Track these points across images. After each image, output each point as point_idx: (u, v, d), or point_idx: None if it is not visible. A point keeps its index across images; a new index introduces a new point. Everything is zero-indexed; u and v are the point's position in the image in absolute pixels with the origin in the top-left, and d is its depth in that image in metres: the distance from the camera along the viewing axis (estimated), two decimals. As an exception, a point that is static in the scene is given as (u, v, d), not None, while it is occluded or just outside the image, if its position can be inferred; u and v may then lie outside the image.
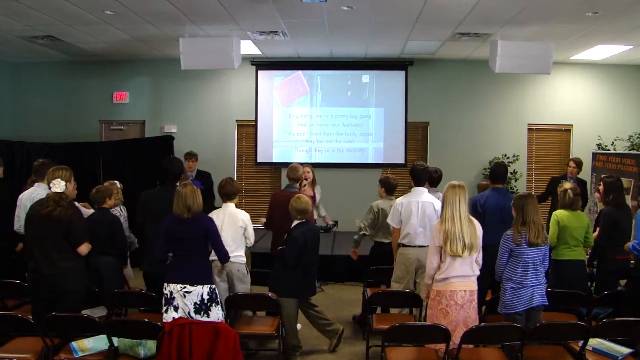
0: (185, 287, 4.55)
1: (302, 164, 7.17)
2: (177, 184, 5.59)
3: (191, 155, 8.83)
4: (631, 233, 5.60)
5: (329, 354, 5.60)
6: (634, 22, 7.46)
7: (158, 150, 9.75)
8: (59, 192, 4.74)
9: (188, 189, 4.69)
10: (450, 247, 4.44)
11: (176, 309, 4.55)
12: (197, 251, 4.64)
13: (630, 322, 4.41)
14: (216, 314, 4.65)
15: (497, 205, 5.63)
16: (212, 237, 4.71)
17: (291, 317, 5.39)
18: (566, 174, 8.72)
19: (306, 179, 7.42)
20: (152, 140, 10.44)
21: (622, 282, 5.80)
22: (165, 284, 4.62)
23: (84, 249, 4.84)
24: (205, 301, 4.59)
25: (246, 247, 5.63)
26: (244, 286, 5.51)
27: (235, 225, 5.45)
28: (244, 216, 5.54)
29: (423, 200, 5.68)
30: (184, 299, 4.54)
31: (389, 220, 5.85)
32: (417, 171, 5.82)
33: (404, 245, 5.70)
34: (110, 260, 5.53)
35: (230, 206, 5.53)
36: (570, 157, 10.54)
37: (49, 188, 4.82)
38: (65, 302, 4.64)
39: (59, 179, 4.75)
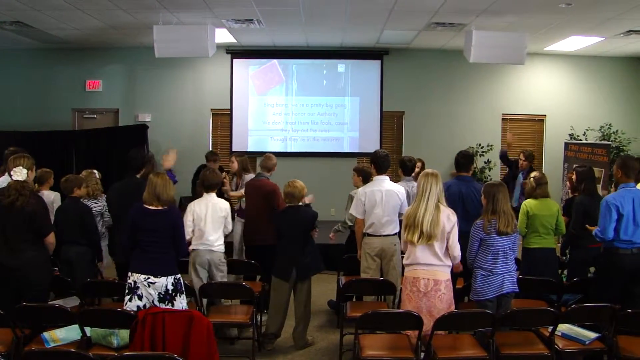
0: (149, 278, 4.50)
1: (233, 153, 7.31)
2: (138, 175, 5.61)
3: (214, 155, 8.60)
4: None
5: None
6: (606, 14, 7.56)
7: (132, 139, 9.66)
8: (21, 181, 4.62)
9: (160, 179, 4.62)
10: (406, 235, 4.50)
11: (140, 297, 4.51)
12: (162, 242, 4.57)
13: (597, 308, 4.49)
14: (180, 303, 4.62)
15: (460, 193, 5.63)
16: (177, 232, 4.64)
17: (276, 300, 5.44)
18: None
19: (227, 170, 7.35)
20: (126, 129, 10.35)
21: (592, 269, 5.90)
22: (130, 273, 4.57)
23: (52, 238, 4.77)
24: (170, 291, 4.55)
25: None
26: (222, 274, 5.55)
27: (217, 214, 5.48)
28: (225, 205, 5.58)
29: (386, 189, 5.62)
30: (148, 288, 4.50)
31: (352, 211, 5.79)
32: (379, 158, 5.75)
33: (368, 235, 5.67)
34: (81, 249, 5.48)
35: (212, 196, 5.56)
36: (544, 147, 10.76)
37: (11, 177, 4.70)
38: (30, 294, 4.56)
39: (20, 167, 4.64)
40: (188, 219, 5.37)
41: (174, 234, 4.60)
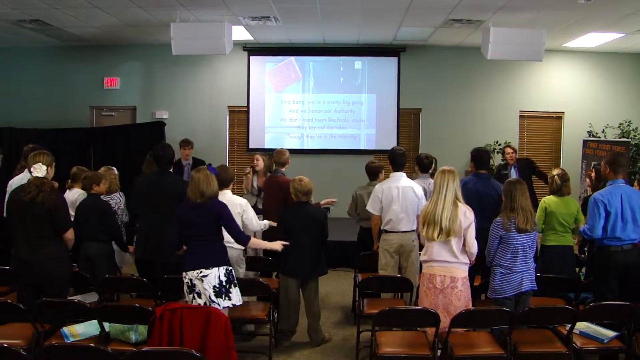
0: (201, 272, 4.54)
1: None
2: (170, 169, 5.64)
3: (187, 143, 8.72)
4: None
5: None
6: (625, 10, 7.47)
7: (149, 136, 9.71)
8: (41, 177, 4.67)
9: (202, 174, 4.66)
10: (425, 231, 4.49)
11: (199, 295, 4.56)
12: (210, 235, 4.64)
13: (616, 306, 4.46)
14: (237, 295, 4.66)
15: (476, 190, 5.63)
16: (225, 222, 4.69)
17: (287, 298, 5.45)
18: (506, 162, 8.70)
19: (252, 167, 7.31)
20: (144, 127, 10.40)
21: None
22: (184, 273, 4.61)
23: (70, 234, 4.82)
24: (224, 283, 4.58)
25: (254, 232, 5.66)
26: (241, 271, 5.58)
27: (234, 211, 5.46)
28: (241, 201, 5.57)
29: (403, 185, 5.65)
30: (203, 283, 4.54)
31: (368, 207, 5.81)
32: (396, 156, 5.79)
33: (386, 232, 5.68)
34: (101, 246, 5.52)
35: (228, 193, 5.55)
36: (562, 144, 10.68)
37: (30, 173, 4.75)
38: (50, 289, 4.61)
39: (40, 164, 4.68)
40: None
41: (224, 224, 4.66)
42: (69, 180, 6.32)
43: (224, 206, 4.76)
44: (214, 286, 4.55)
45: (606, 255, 5.00)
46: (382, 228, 5.70)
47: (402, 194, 5.60)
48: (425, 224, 4.51)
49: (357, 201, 6.45)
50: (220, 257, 4.66)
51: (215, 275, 4.57)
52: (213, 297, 4.54)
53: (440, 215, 4.44)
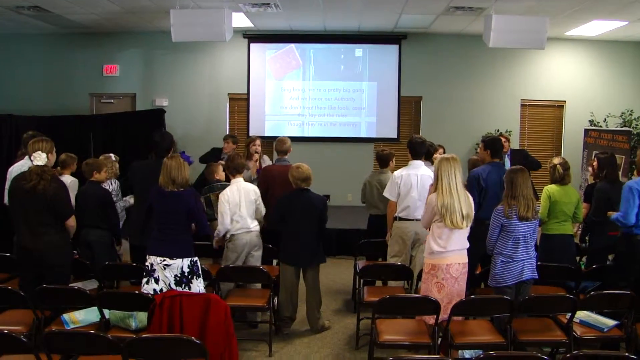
0: (164, 260, 4.55)
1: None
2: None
3: (231, 137, 8.49)
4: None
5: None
6: (628, -3, 7.42)
7: (149, 123, 9.68)
8: (41, 165, 4.64)
9: (174, 162, 4.64)
10: (450, 220, 4.44)
11: (157, 280, 4.56)
12: (179, 225, 4.61)
13: (616, 295, 4.46)
14: (197, 286, 4.66)
15: (499, 179, 5.62)
16: (194, 213, 4.66)
17: (286, 285, 5.45)
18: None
19: (257, 152, 7.34)
20: (143, 114, 10.38)
21: (611, 256, 5.84)
22: (147, 256, 4.63)
23: (72, 222, 4.82)
24: (186, 274, 4.59)
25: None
26: (258, 253, 5.64)
27: (249, 198, 5.55)
28: (255, 188, 5.67)
29: (422, 174, 5.66)
30: (164, 271, 4.55)
31: (385, 193, 5.81)
32: (415, 144, 5.79)
33: (401, 219, 5.67)
34: (100, 233, 5.52)
35: (241, 180, 5.61)
36: (563, 133, 10.66)
37: (31, 160, 4.73)
38: (51, 276, 4.61)
39: (39, 152, 4.64)
40: (225, 208, 5.40)
41: (191, 216, 4.63)
42: (58, 167, 6.28)
43: (196, 198, 4.77)
44: (175, 275, 4.58)
45: (633, 242, 4.95)
46: (396, 215, 5.70)
47: (420, 182, 5.61)
48: (447, 213, 4.44)
49: (365, 188, 6.47)
50: (186, 249, 4.65)
51: (178, 265, 4.58)
52: (172, 285, 4.56)
53: (459, 202, 4.45)
